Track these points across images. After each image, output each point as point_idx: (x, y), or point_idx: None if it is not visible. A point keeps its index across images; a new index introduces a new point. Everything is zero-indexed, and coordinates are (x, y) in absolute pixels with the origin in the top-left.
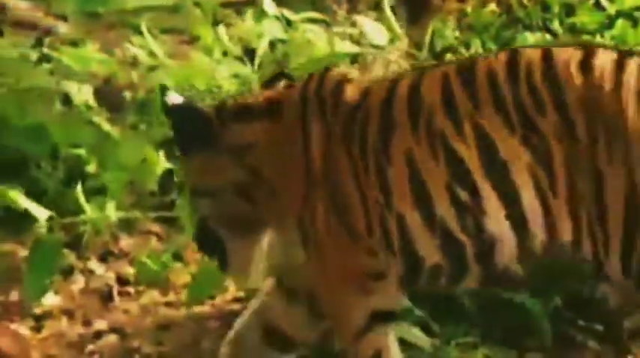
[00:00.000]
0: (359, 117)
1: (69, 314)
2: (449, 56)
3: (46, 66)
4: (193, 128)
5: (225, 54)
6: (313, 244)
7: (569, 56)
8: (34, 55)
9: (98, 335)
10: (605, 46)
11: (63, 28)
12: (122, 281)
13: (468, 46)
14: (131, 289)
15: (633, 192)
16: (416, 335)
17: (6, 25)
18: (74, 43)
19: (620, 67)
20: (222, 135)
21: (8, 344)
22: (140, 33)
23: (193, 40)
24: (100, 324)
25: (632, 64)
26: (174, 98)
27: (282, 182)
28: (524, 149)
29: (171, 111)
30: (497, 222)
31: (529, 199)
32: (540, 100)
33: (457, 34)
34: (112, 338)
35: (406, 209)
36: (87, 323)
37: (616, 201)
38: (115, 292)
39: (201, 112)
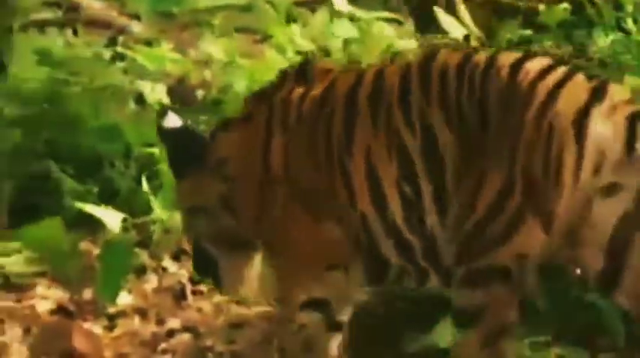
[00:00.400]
0: (324, 111)
1: (142, 313)
2: None
3: (119, 65)
4: (186, 151)
5: (298, 52)
6: (272, 234)
7: (507, 60)
8: (107, 55)
9: (171, 333)
10: (546, 53)
11: (137, 27)
12: (195, 279)
13: (540, 45)
14: (204, 288)
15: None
16: None
17: (80, 25)
18: (148, 42)
19: (547, 73)
20: (210, 152)
21: (82, 342)
22: (213, 32)
23: (266, 39)
24: (173, 323)
25: (556, 73)
26: (171, 120)
27: (246, 189)
28: (455, 148)
29: (164, 134)
30: (431, 217)
31: (452, 194)
32: (473, 98)
33: (529, 32)
34: (185, 337)
35: (366, 207)
36: (160, 321)
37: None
38: (187, 291)
39: (193, 135)
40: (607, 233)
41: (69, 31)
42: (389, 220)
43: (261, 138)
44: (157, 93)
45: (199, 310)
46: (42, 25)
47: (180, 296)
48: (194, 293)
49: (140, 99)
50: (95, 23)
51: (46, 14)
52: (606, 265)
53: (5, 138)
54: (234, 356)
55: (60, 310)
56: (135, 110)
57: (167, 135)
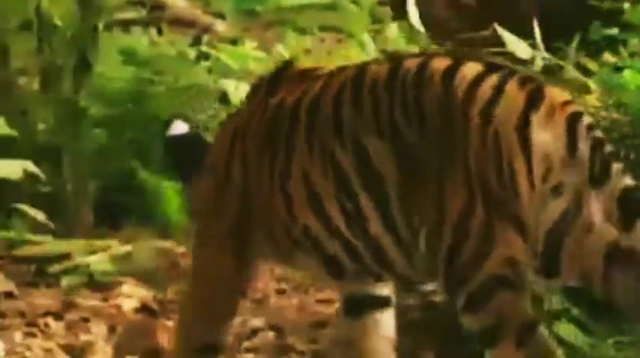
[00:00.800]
0: (278, 121)
1: None
2: (606, 56)
3: (204, 64)
4: (190, 157)
5: (382, 51)
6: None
7: (439, 66)
8: (192, 54)
9: (254, 332)
10: (479, 59)
11: (221, 26)
12: (278, 279)
13: (625, 44)
14: (287, 287)
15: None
16: (573, 333)
17: (164, 24)
18: (232, 41)
19: (482, 79)
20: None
21: (165, 341)
22: (297, 31)
23: (350, 38)
24: (256, 322)
25: (491, 79)
26: (178, 128)
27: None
28: (392, 158)
29: (170, 141)
30: (376, 228)
31: (397, 206)
32: (408, 110)
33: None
34: (268, 336)
35: (309, 221)
36: (243, 320)
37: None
38: (271, 290)
39: (198, 140)
40: (548, 228)
41: (153, 31)
42: (333, 231)
43: (227, 147)
44: (240, 92)
45: (282, 309)
46: (127, 24)
47: (263, 295)
48: (277, 292)
49: (224, 98)
50: (180, 22)
51: (131, 13)
52: (545, 258)
53: (90, 138)
54: (316, 355)
55: (144, 309)
56: (219, 109)
57: (172, 142)
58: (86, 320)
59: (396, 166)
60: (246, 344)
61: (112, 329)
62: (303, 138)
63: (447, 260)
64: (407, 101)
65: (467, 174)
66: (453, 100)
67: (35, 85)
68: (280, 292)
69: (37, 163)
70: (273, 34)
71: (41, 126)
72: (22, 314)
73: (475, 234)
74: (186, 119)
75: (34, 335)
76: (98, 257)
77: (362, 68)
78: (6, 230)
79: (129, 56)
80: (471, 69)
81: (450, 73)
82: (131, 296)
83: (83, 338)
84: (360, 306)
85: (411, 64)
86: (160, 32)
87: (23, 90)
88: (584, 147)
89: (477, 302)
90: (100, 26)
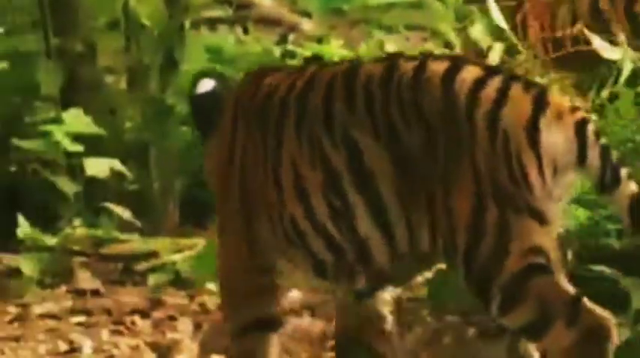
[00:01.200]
0: (267, 113)
1: (311, 310)
2: None
3: (290, 62)
4: (209, 114)
5: (466, 50)
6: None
7: (437, 68)
8: (278, 52)
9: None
10: (476, 62)
11: (307, 24)
12: None
13: None
14: None
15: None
16: None
17: (251, 22)
18: (318, 40)
19: (484, 82)
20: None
21: None
22: (383, 29)
23: (435, 37)
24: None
25: (493, 82)
26: (204, 85)
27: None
28: (387, 157)
29: (192, 99)
30: (366, 225)
31: (393, 204)
32: (405, 110)
33: None
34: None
35: (295, 210)
36: (329, 318)
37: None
38: None
39: (219, 98)
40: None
41: (239, 29)
42: (319, 224)
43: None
44: None
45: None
46: (213, 23)
47: None
48: None
49: None
50: (266, 21)
51: (217, 12)
52: None
53: (177, 136)
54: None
55: None
56: None
57: (195, 100)
58: (172, 318)
59: (391, 165)
60: (331, 343)
61: (197, 327)
62: (293, 127)
63: (466, 263)
64: (403, 102)
65: (476, 175)
66: (456, 103)
67: (122, 84)
68: None
69: (123, 161)
70: (359, 33)
71: (128, 125)
72: (108, 312)
73: (491, 232)
74: (220, 77)
75: (120, 333)
76: (184, 255)
77: (355, 64)
78: (94, 228)
79: (215, 54)
80: (470, 72)
81: (450, 75)
82: (216, 294)
83: (169, 335)
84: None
85: (408, 64)
86: (246, 31)
87: (111, 88)
88: (594, 153)
89: (513, 299)
90: (187, 25)
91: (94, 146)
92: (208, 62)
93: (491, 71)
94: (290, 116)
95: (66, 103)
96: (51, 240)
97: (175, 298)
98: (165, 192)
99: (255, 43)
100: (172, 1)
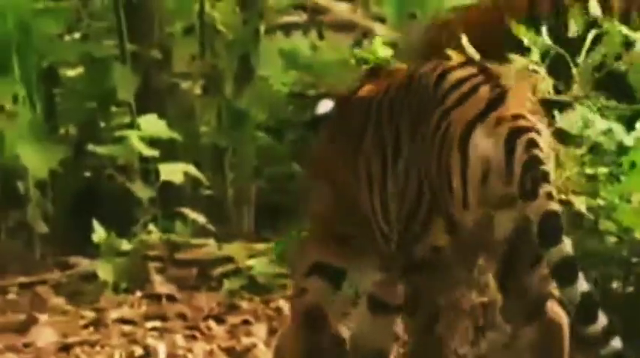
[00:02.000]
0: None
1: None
2: None
3: (364, 68)
4: None
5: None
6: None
7: (433, 68)
8: (353, 58)
9: None
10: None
11: (380, 29)
12: None
13: None
14: None
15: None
16: None
17: (325, 27)
18: (392, 45)
19: (460, 83)
20: None
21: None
22: None
23: None
24: None
25: (467, 84)
26: (323, 106)
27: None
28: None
29: (312, 120)
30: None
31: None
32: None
33: None
34: None
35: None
36: None
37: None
38: None
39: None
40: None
41: (314, 34)
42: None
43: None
44: None
45: None
46: (288, 28)
47: None
48: None
49: None
50: (340, 26)
51: (292, 17)
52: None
53: (252, 141)
54: None
55: None
56: None
57: (314, 121)
58: (247, 322)
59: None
60: None
61: (272, 332)
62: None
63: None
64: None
65: (421, 167)
66: (436, 101)
67: (198, 89)
68: None
69: (198, 166)
70: None
71: (203, 130)
72: (183, 317)
73: (419, 219)
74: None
75: (195, 338)
76: (259, 260)
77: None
78: (168, 233)
79: (290, 60)
80: (458, 73)
81: (442, 75)
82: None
83: (244, 340)
84: (382, 307)
85: (428, 65)
86: (320, 36)
87: (186, 93)
88: (518, 164)
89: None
90: (262, 30)
91: (169, 151)
92: (283, 68)
93: (478, 72)
94: (372, 120)
95: (141, 109)
96: (126, 245)
97: (250, 303)
98: (240, 197)
99: (330, 49)
100: (247, 6)
